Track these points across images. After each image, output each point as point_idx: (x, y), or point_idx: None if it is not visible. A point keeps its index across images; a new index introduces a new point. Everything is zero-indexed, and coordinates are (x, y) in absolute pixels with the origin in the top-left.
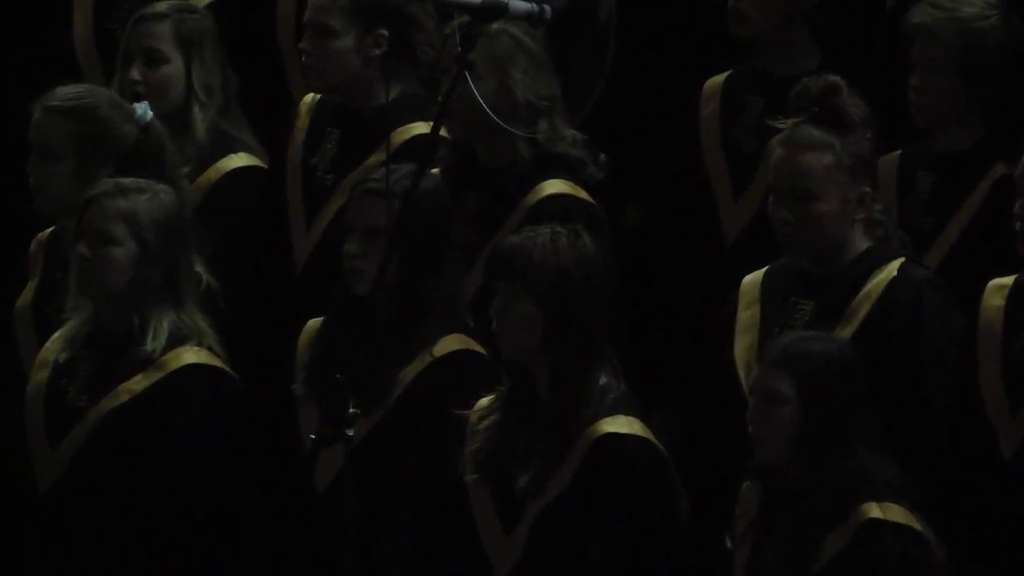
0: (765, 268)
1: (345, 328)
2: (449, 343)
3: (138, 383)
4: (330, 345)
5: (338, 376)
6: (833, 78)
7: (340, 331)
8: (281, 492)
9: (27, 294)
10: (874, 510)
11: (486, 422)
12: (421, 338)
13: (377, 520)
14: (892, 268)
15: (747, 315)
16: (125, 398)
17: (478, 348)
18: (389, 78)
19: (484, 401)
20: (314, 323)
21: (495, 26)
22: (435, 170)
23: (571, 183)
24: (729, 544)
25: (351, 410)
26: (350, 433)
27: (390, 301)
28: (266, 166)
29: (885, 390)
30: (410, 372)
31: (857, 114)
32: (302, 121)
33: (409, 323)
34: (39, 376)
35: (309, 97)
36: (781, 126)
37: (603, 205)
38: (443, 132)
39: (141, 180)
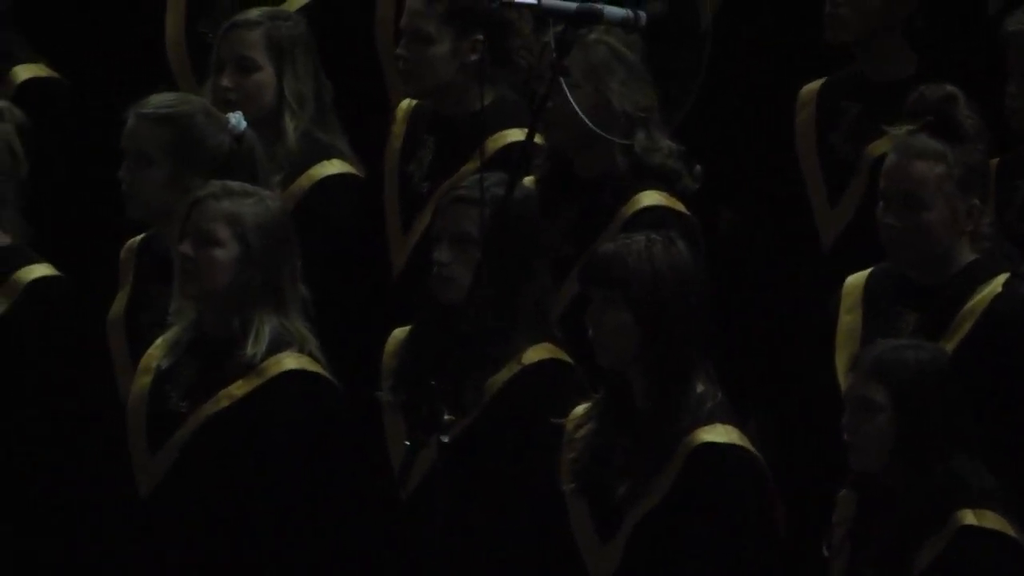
0: (869, 270)
1: (433, 335)
2: (537, 352)
3: (239, 388)
4: (417, 353)
5: (433, 382)
6: (951, 88)
7: (428, 338)
8: (369, 498)
9: (119, 303)
10: (969, 517)
11: (583, 431)
12: (509, 346)
13: (463, 527)
14: (997, 283)
15: (849, 319)
16: (225, 403)
17: (566, 358)
18: (484, 84)
19: (580, 410)
20: (400, 332)
21: (592, 36)
22: (529, 178)
23: (667, 194)
24: (826, 552)
25: (446, 416)
26: (445, 440)
27: (479, 309)
28: (360, 173)
29: (989, 404)
30: (498, 380)
31: (972, 126)
32: (399, 127)
33: (498, 331)
34: (142, 382)
35: (406, 103)
36: (894, 132)
37: (698, 212)
38: (539, 140)
39: (247, 184)
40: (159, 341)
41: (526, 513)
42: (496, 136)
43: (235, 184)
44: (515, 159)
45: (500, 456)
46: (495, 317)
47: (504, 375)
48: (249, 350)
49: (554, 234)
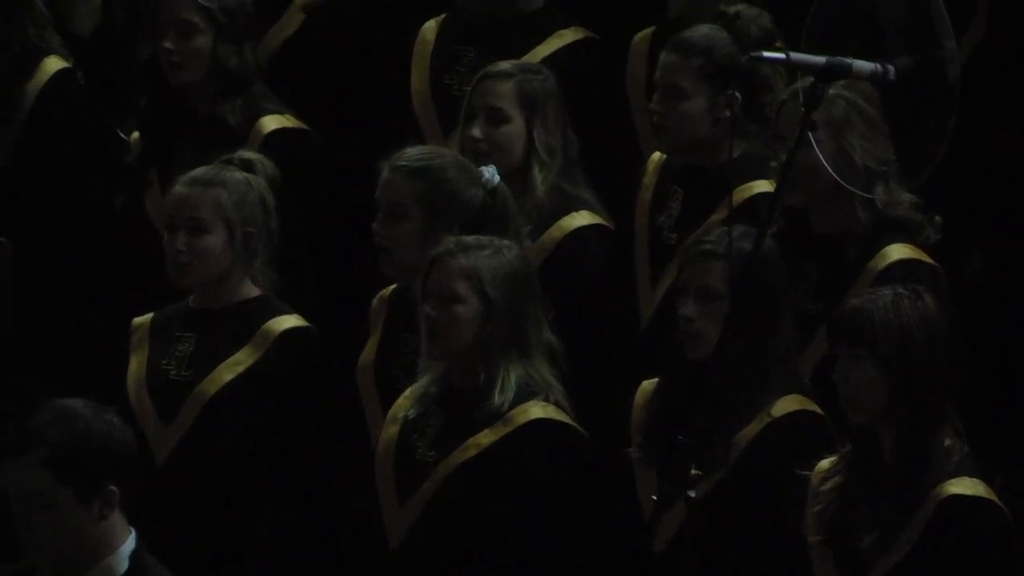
0: None
1: (681, 390)
2: (787, 403)
3: (486, 438)
4: (666, 407)
5: (680, 437)
6: None
7: (676, 393)
8: (618, 550)
9: (369, 351)
10: None
11: (829, 483)
12: (759, 399)
13: None
14: None
15: None
16: (473, 452)
17: (816, 409)
18: (734, 137)
19: (825, 463)
20: (648, 385)
21: (831, 91)
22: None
23: (914, 247)
24: None
25: (693, 471)
26: (692, 495)
27: (727, 362)
28: (609, 224)
29: None
30: (749, 433)
31: None
32: (649, 179)
33: (747, 384)
34: (390, 432)
35: (657, 155)
36: None
37: (942, 261)
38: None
39: (483, 236)
40: (407, 391)
41: (775, 565)
42: (743, 187)
43: (470, 238)
44: (760, 210)
45: (751, 509)
46: (744, 371)
47: (754, 428)
48: (496, 399)
49: (796, 291)
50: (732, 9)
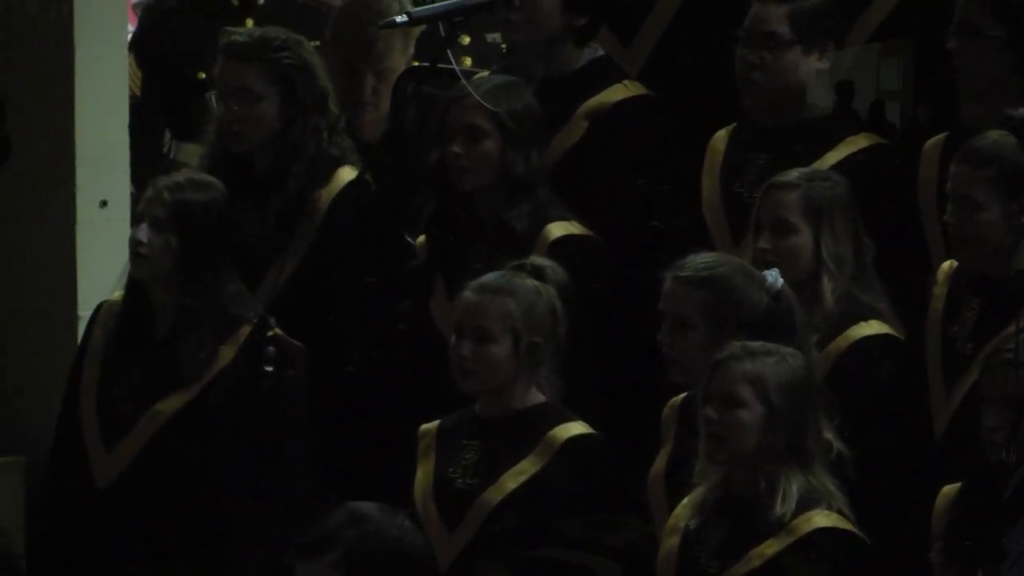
0: None
1: (982, 495)
2: None
3: (770, 548)
4: (968, 512)
5: (967, 543)
6: None
7: (978, 498)
8: None
9: (660, 460)
10: None
11: None
12: None
13: None
14: None
15: None
16: (756, 564)
17: None
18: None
19: None
20: (949, 489)
21: None
22: None
23: None
24: None
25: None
26: None
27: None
28: (900, 334)
29: None
30: None
31: None
32: (940, 289)
33: None
34: (670, 543)
35: (947, 264)
36: None
37: None
38: None
39: (768, 344)
40: (685, 500)
41: None
42: None
43: (755, 344)
44: None
45: None
46: None
47: None
48: (778, 509)
49: None
50: (1018, 113)
